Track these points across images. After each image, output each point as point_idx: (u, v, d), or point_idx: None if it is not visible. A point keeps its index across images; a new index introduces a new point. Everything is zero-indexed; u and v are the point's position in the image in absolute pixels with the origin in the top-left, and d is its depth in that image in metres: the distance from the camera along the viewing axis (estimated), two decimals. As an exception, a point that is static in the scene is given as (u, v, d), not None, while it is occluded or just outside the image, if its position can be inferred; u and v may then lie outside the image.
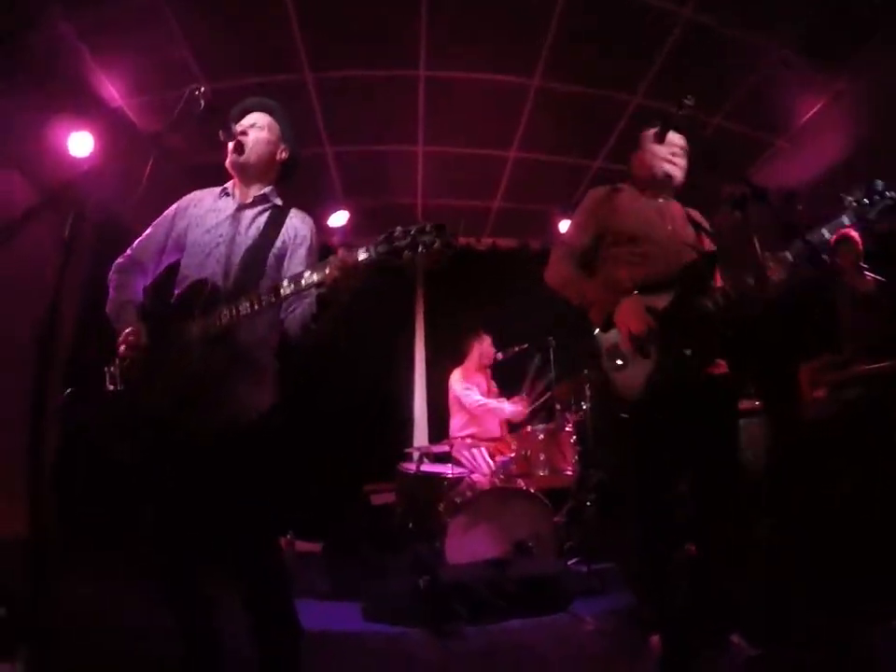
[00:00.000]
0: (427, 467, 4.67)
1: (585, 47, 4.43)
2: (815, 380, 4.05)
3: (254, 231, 2.32)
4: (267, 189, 2.43)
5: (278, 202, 2.44)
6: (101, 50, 4.20)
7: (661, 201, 2.74)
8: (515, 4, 4.12)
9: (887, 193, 2.31)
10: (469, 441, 4.96)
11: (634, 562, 2.64)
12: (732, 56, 4.40)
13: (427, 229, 1.90)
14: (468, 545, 3.91)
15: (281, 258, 2.30)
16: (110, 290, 2.33)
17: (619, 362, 2.38)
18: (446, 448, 4.70)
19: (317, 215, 6.32)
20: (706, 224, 2.79)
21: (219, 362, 2.08)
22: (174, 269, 2.40)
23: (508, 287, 6.70)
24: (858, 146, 4.93)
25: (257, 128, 2.43)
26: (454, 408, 5.44)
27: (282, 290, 2.02)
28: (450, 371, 5.60)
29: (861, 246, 4.14)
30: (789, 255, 2.33)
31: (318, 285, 2.00)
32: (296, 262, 2.29)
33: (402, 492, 4.75)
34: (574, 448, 4.55)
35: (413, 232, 1.90)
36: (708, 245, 2.67)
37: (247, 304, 2.02)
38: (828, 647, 2.39)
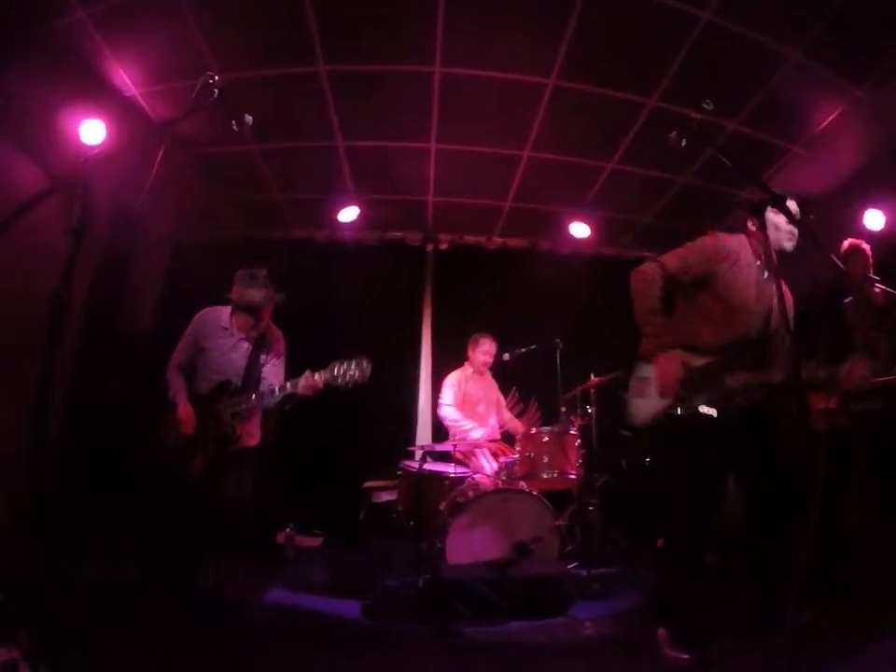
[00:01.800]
0: (430, 465, 4.65)
1: (603, 47, 4.39)
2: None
3: (248, 352, 3.79)
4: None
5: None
6: (115, 38, 4.20)
7: (765, 278, 2.85)
8: (533, 2, 4.08)
9: None
10: (470, 441, 4.95)
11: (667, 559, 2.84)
12: (750, 60, 4.35)
13: (354, 364, 3.33)
14: (469, 545, 3.89)
15: (265, 363, 3.82)
16: (169, 387, 3.73)
17: (641, 391, 2.83)
18: (449, 447, 4.68)
19: (328, 209, 6.37)
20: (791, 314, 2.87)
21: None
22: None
23: (517, 288, 6.70)
24: (874, 155, 4.89)
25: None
26: None
27: (276, 392, 3.54)
28: (447, 374, 5.62)
29: (870, 258, 4.11)
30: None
31: (291, 394, 3.48)
32: (274, 368, 3.85)
33: (405, 490, 4.73)
34: (579, 451, 4.52)
35: (349, 367, 3.34)
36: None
37: (255, 396, 3.59)
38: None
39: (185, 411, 3.59)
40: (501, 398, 5.63)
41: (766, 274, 2.85)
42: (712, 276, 2.82)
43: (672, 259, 2.91)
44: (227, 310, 3.86)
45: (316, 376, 3.38)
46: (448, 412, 5.30)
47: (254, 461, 3.79)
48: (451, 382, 5.47)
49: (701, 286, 2.85)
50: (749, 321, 2.78)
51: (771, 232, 2.74)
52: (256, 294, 3.75)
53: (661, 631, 2.64)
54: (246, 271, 3.81)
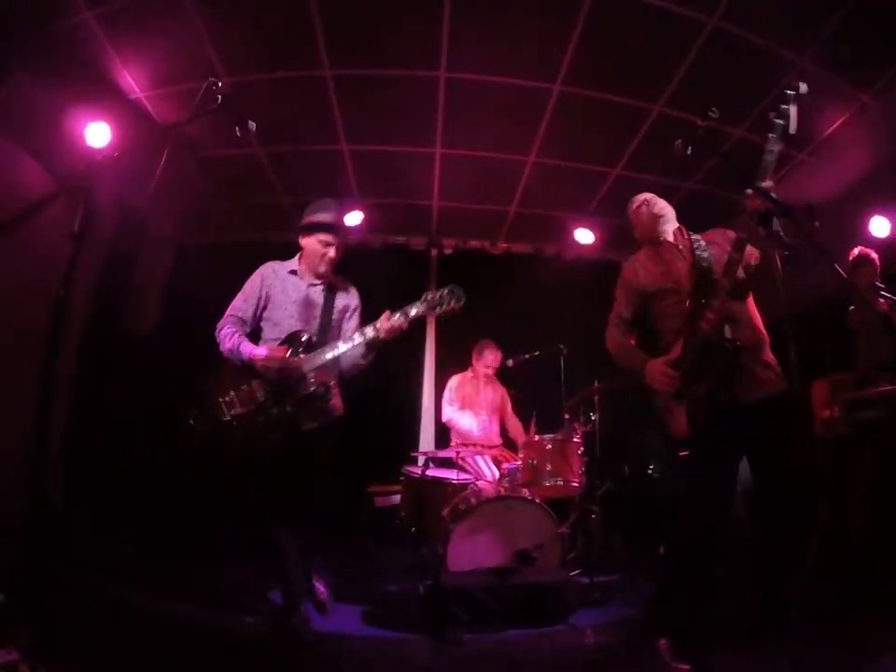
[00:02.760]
0: (433, 471, 4.63)
1: (608, 53, 4.39)
2: (829, 398, 3.99)
3: (321, 300, 3.43)
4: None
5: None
6: (120, 41, 4.20)
7: (677, 254, 3.01)
8: (539, 8, 4.08)
9: None
10: (472, 447, 4.93)
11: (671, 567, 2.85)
12: (756, 66, 4.34)
13: (447, 291, 3.22)
14: (470, 552, 3.87)
15: (342, 317, 3.49)
16: (227, 339, 3.26)
17: (664, 409, 2.79)
18: (452, 453, 4.67)
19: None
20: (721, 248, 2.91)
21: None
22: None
23: (521, 293, 6.68)
24: (880, 161, 4.86)
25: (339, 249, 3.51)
26: None
27: (356, 339, 3.18)
28: (449, 378, 5.63)
29: (878, 267, 4.10)
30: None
31: (372, 338, 3.17)
32: (353, 322, 3.50)
33: (407, 495, 4.72)
34: (582, 459, 4.50)
35: (442, 294, 3.21)
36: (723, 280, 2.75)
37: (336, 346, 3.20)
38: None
39: (270, 352, 3.18)
40: (508, 404, 5.62)
41: (679, 250, 3.00)
42: (641, 288, 3.02)
43: (614, 307, 3.16)
44: (292, 260, 3.55)
45: (396, 316, 3.18)
46: (445, 410, 5.41)
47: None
48: (450, 385, 5.54)
49: (648, 302, 3.02)
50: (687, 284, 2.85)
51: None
52: (326, 216, 3.50)
53: (662, 640, 2.63)
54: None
